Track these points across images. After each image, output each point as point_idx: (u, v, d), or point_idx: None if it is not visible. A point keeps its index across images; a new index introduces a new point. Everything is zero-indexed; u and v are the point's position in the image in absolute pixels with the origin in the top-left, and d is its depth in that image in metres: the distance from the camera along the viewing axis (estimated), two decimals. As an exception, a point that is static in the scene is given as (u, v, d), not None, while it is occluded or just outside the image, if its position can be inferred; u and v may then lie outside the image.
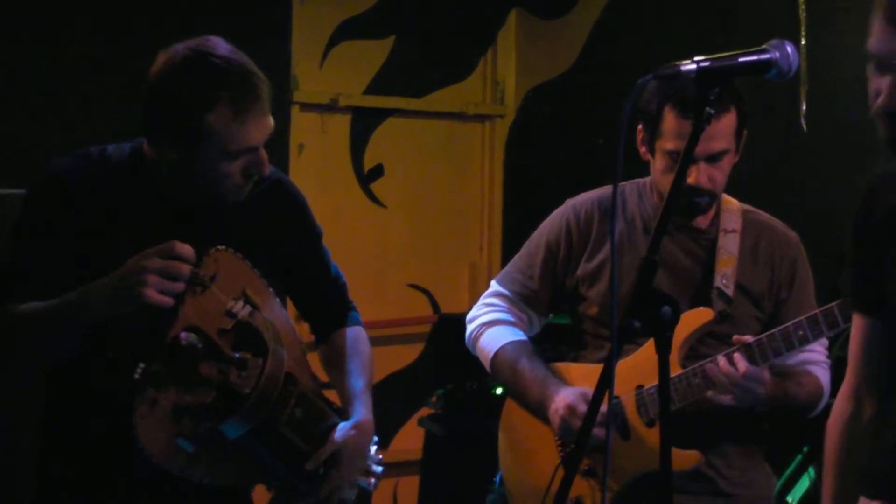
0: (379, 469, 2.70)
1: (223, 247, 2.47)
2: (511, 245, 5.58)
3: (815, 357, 3.06)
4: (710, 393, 2.90)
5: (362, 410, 2.65)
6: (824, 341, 3.07)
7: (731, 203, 3.11)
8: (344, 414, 2.64)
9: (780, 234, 3.12)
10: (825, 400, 3.03)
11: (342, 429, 2.58)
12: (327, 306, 2.80)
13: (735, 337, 2.91)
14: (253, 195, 2.53)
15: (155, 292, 2.27)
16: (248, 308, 2.44)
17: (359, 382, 2.70)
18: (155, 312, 2.33)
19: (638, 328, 2.06)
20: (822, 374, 3.06)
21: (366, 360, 2.76)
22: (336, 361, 2.76)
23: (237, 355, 2.38)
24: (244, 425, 2.39)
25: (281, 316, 2.56)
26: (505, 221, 5.77)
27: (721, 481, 3.03)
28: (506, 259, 5.56)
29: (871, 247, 2.29)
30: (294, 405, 2.46)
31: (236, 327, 2.42)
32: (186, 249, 2.31)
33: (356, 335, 2.79)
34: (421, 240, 5.61)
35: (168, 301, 2.29)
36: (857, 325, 2.37)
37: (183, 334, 2.36)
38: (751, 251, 3.06)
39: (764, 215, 3.14)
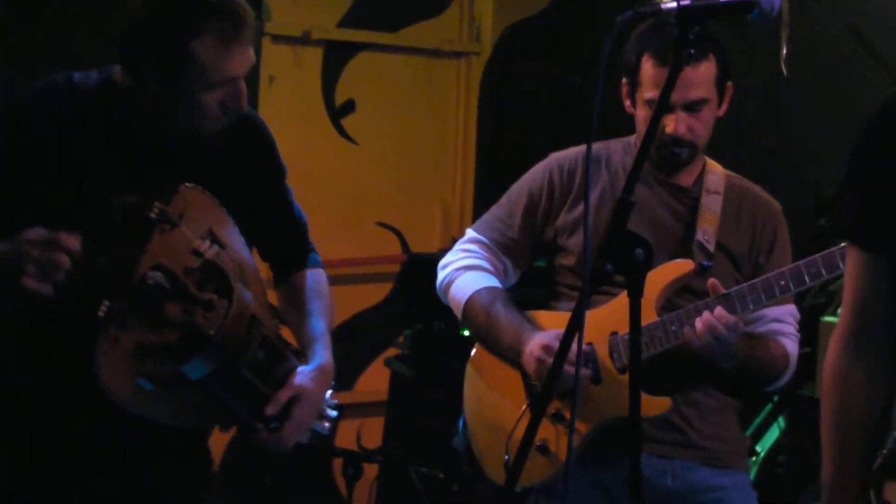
0: (333, 413, 2.68)
1: (191, 184, 2.44)
2: (485, 185, 5.56)
3: (785, 329, 3.07)
4: (686, 331, 2.87)
5: (323, 353, 2.62)
6: (796, 314, 3.10)
7: (715, 167, 3.12)
8: (302, 356, 2.62)
9: (763, 201, 3.12)
10: (790, 372, 3.06)
11: (303, 372, 2.57)
12: (289, 247, 2.78)
13: (711, 280, 2.89)
14: (222, 130, 2.48)
15: (33, 281, 2.24)
16: (216, 247, 2.42)
17: (320, 325, 2.68)
18: (120, 249, 2.32)
19: (610, 270, 2.04)
20: (791, 346, 3.06)
21: (326, 302, 2.74)
22: (296, 303, 2.73)
23: (205, 296, 2.36)
24: (207, 366, 2.36)
25: (245, 254, 2.54)
26: (479, 161, 5.71)
27: (692, 433, 3.02)
28: (479, 199, 5.58)
29: (882, 174, 2.05)
30: (257, 347, 2.44)
31: (202, 267, 2.40)
32: (72, 242, 2.26)
33: (317, 277, 2.78)
34: (392, 178, 5.55)
35: (47, 290, 2.25)
36: (857, 261, 2.10)
37: (150, 273, 2.34)
38: (733, 214, 3.06)
39: (747, 182, 3.15)
